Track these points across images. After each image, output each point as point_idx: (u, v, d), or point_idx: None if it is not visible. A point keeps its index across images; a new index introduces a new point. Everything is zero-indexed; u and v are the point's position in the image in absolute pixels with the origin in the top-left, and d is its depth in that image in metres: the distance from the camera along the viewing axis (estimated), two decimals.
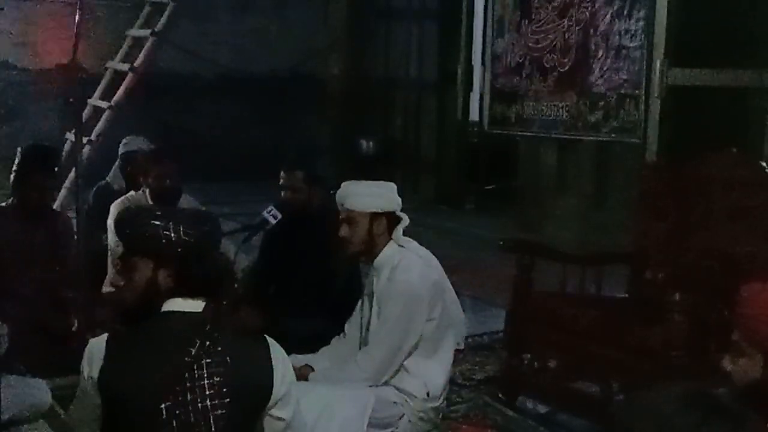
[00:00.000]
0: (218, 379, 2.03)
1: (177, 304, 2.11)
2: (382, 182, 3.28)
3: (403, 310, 3.11)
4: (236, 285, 2.33)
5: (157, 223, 2.10)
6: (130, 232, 2.15)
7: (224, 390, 2.03)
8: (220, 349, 2.05)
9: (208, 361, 2.04)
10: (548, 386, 3.90)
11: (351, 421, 3.02)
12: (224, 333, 2.08)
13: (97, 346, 2.10)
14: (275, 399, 2.14)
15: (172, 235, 2.09)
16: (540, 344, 3.89)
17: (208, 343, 2.04)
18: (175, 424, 2.00)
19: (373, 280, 3.24)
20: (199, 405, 2.01)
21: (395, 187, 3.28)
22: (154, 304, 2.12)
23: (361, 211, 3.17)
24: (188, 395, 2.01)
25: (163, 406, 2.00)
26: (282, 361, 2.18)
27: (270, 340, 2.19)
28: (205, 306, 2.10)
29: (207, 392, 2.02)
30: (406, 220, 3.22)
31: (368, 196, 3.19)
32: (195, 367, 2.02)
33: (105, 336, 2.12)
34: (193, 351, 2.02)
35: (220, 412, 2.03)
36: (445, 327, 3.23)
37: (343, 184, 3.27)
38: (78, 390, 2.18)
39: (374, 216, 3.17)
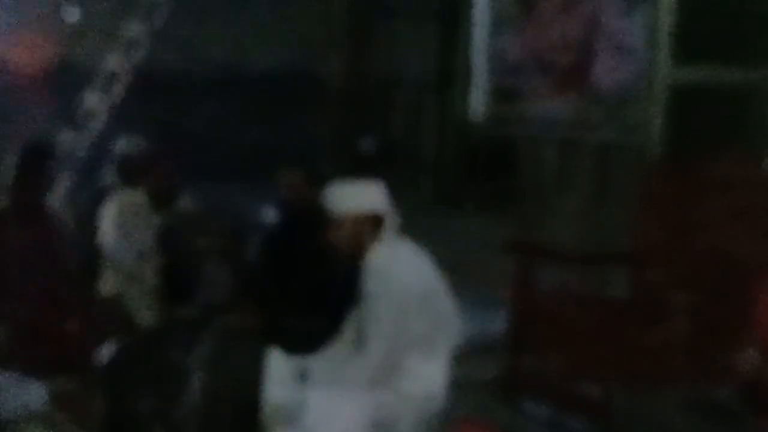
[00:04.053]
0: (202, 387, 2.00)
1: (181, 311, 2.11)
2: (368, 183, 3.28)
3: (396, 309, 3.10)
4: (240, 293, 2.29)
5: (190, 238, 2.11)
6: (166, 242, 2.15)
7: (206, 399, 2.00)
8: (208, 357, 2.02)
9: (193, 367, 2.01)
10: (548, 387, 3.89)
11: (351, 422, 3.01)
12: (219, 341, 2.06)
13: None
14: (274, 415, 2.09)
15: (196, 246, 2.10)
16: (540, 344, 3.88)
17: (198, 350, 2.02)
18: (154, 427, 1.98)
19: (365, 281, 3.23)
20: (175, 408, 1.99)
21: (381, 187, 3.28)
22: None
23: (348, 213, 3.16)
24: (169, 401, 1.99)
25: (144, 408, 1.99)
26: (284, 377, 2.15)
27: (274, 354, 2.16)
28: (203, 314, 2.08)
29: (189, 399, 1.99)
30: (395, 219, 3.21)
31: (354, 198, 3.19)
32: (180, 374, 2.00)
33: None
34: (179, 357, 2.00)
35: (199, 419, 1.99)
36: (440, 325, 3.22)
37: (329, 188, 3.27)
38: None
39: (361, 217, 3.16)
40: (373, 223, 3.19)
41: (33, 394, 3.56)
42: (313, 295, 3.98)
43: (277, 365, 2.14)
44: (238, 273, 2.23)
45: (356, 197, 3.20)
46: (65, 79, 3.83)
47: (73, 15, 7.87)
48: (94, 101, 7.49)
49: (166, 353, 2.05)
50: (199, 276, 2.10)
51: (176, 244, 2.15)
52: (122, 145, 5.38)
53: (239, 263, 2.26)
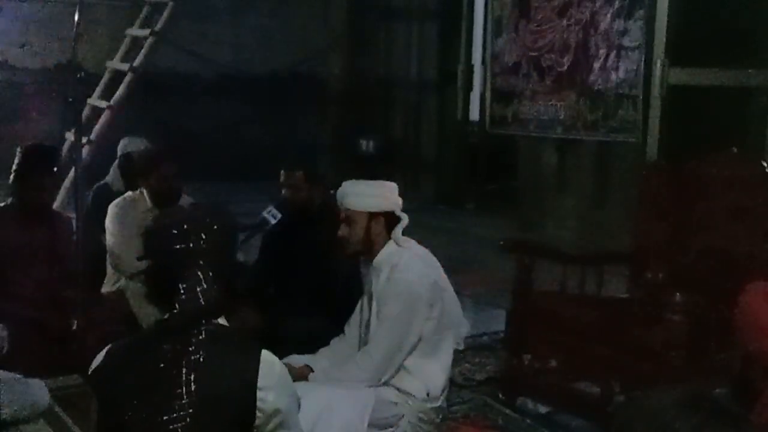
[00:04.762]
0: (187, 390, 1.97)
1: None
2: (381, 182, 3.27)
3: (402, 309, 3.10)
4: (238, 293, 2.25)
5: (174, 241, 2.05)
6: (150, 245, 2.12)
7: (191, 403, 1.97)
8: (193, 359, 1.98)
9: (180, 371, 1.98)
10: (548, 386, 3.89)
11: (351, 422, 3.01)
12: (208, 344, 2.01)
13: (108, 345, 2.10)
14: (267, 420, 2.04)
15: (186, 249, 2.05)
16: (540, 344, 3.88)
17: (185, 353, 1.98)
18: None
19: (372, 280, 3.23)
20: (164, 416, 1.97)
21: (395, 186, 3.27)
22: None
23: (360, 211, 3.16)
24: (154, 405, 1.97)
25: (136, 415, 1.97)
26: (277, 383, 2.06)
27: (267, 358, 2.06)
28: (194, 316, 2.04)
29: (174, 403, 1.97)
30: (405, 219, 3.21)
31: (367, 195, 3.19)
32: (165, 377, 1.98)
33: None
34: (166, 361, 1.98)
35: (182, 425, 1.97)
36: (445, 327, 3.22)
37: (343, 184, 3.26)
38: None
39: (373, 216, 3.17)
40: (386, 221, 3.19)
41: (36, 393, 3.57)
42: (313, 295, 3.98)
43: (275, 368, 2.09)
44: (235, 273, 2.19)
45: (371, 195, 3.20)
46: (69, 80, 3.85)
47: None
48: (98, 102, 7.49)
49: (158, 358, 2.01)
50: (191, 277, 2.05)
51: (162, 245, 2.09)
52: (125, 145, 5.40)
53: (235, 264, 2.21)
